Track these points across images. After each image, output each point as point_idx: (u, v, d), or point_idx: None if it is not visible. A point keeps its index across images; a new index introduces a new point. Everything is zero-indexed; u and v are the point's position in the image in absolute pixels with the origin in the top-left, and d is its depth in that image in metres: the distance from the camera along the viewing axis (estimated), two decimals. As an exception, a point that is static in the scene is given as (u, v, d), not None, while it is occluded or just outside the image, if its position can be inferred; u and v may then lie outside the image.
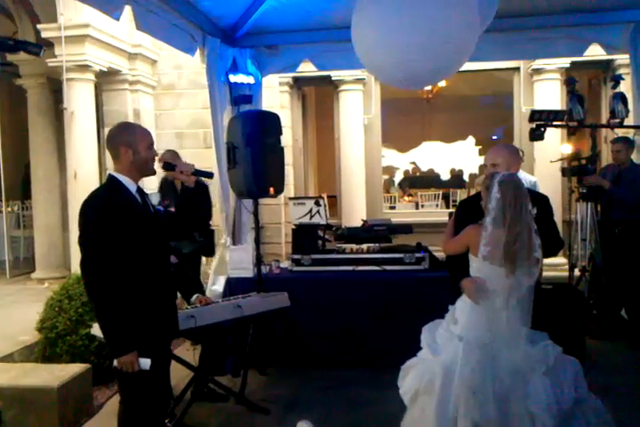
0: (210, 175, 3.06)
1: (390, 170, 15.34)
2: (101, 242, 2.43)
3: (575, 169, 5.33)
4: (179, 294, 4.13)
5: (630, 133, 5.72)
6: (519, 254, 2.63)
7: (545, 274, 5.08)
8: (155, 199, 2.75)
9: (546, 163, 7.76)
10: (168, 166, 2.95)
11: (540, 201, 3.18)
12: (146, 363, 2.50)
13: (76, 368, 3.90)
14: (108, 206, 2.48)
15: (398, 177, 15.56)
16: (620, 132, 5.51)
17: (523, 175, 6.14)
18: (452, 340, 2.74)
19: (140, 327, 2.50)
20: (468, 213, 3.02)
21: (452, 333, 2.78)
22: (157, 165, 2.86)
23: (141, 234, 2.55)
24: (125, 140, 2.60)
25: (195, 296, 3.98)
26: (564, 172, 5.67)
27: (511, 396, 2.56)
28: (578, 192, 5.44)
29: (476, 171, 14.93)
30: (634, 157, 5.39)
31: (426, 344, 2.85)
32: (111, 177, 2.63)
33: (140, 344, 2.49)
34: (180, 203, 2.93)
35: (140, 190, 2.65)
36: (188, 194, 2.85)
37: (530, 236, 2.65)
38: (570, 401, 2.55)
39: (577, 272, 5.55)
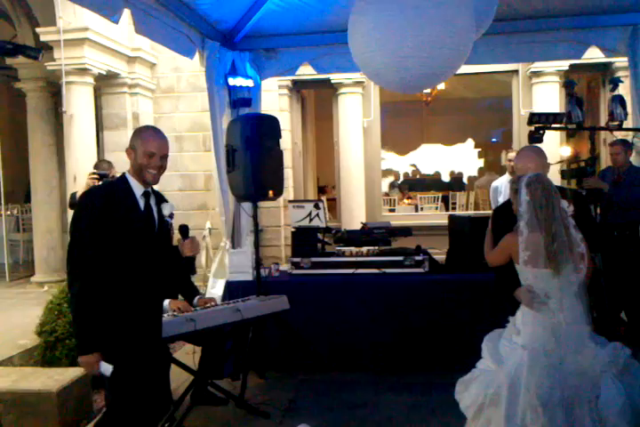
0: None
1: (393, 173, 15.34)
2: (85, 238, 2.45)
3: (574, 171, 5.33)
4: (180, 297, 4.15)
5: (629, 136, 5.72)
6: (561, 253, 2.59)
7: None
8: (167, 210, 2.72)
9: (545, 165, 7.76)
10: (184, 232, 2.93)
11: (576, 197, 3.11)
12: (107, 369, 2.45)
13: (75, 372, 3.89)
14: (97, 205, 2.49)
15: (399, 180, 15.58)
16: (619, 134, 5.51)
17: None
18: (516, 350, 2.68)
19: (114, 333, 2.48)
20: (503, 221, 2.97)
21: (515, 343, 2.72)
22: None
23: (130, 237, 2.54)
24: (132, 142, 2.68)
25: (196, 298, 3.99)
26: (563, 174, 5.67)
27: (580, 400, 2.50)
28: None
29: (476, 173, 14.94)
30: (633, 159, 5.39)
31: (488, 355, 2.78)
32: (122, 175, 2.68)
33: (108, 350, 2.46)
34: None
35: (146, 194, 2.64)
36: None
37: (568, 232, 2.62)
38: None
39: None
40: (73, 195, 5.34)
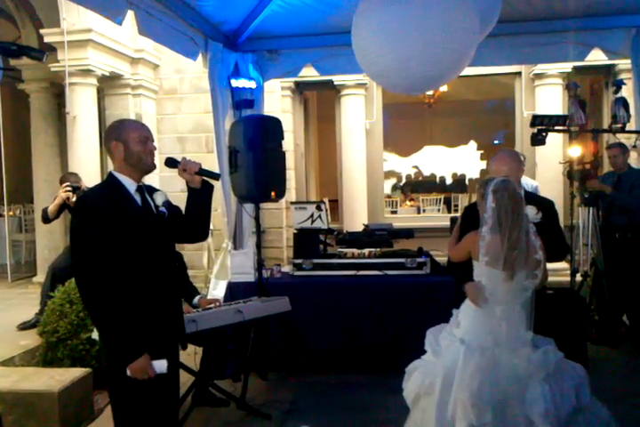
0: (216, 176, 2.77)
1: (396, 174, 15.35)
2: (91, 245, 2.32)
3: (579, 173, 5.35)
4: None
5: (632, 138, 5.72)
6: (518, 260, 2.63)
7: (547, 279, 5.06)
8: (160, 199, 2.60)
9: (547, 167, 7.77)
10: (171, 162, 2.69)
11: (546, 206, 3.17)
12: (162, 365, 2.36)
13: (76, 372, 3.90)
14: (99, 208, 2.37)
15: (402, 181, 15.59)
16: (621, 136, 5.51)
17: (524, 180, 6.13)
18: (454, 343, 2.75)
19: (148, 329, 2.39)
20: (471, 219, 3.02)
21: (454, 336, 2.79)
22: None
23: (137, 236, 2.43)
24: (115, 135, 2.50)
25: (197, 298, 3.99)
26: (569, 175, 5.67)
27: (509, 401, 2.55)
28: (580, 197, 5.44)
29: (478, 175, 14.94)
30: (636, 161, 5.39)
31: (429, 347, 2.87)
32: (110, 175, 2.53)
33: (153, 346, 2.37)
34: (188, 205, 2.70)
35: (140, 189, 2.53)
36: (193, 195, 2.67)
37: (528, 239, 2.65)
38: (569, 408, 2.53)
39: (579, 277, 5.54)
40: (44, 209, 5.37)
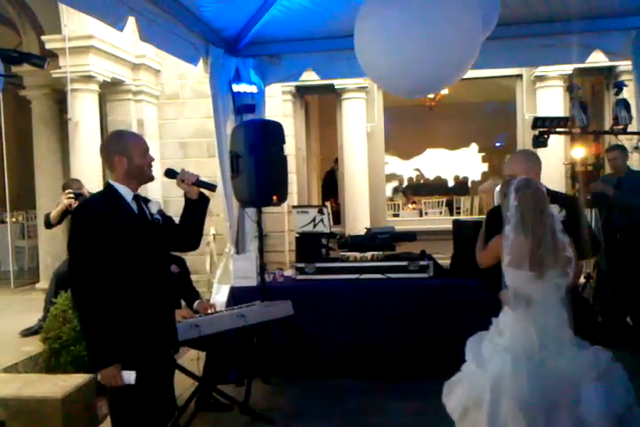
0: (213, 187, 2.83)
1: (397, 177, 15.35)
2: (88, 250, 2.41)
3: (582, 175, 5.36)
4: (183, 303, 4.15)
5: (634, 140, 5.71)
6: (546, 258, 2.61)
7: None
8: (154, 208, 2.66)
9: (549, 169, 7.74)
10: (170, 173, 2.77)
11: (569, 202, 3.14)
12: (130, 376, 2.41)
13: (79, 379, 3.89)
14: (98, 214, 2.45)
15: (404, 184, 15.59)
16: (623, 138, 5.51)
17: None
18: (499, 352, 2.69)
19: (128, 339, 2.44)
20: (495, 223, 3.00)
21: (497, 345, 2.74)
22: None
23: (133, 244, 2.50)
24: (118, 149, 2.57)
25: (196, 302, 3.99)
26: (573, 177, 5.67)
27: (561, 404, 2.51)
28: (583, 198, 5.43)
29: (480, 178, 14.93)
30: (638, 163, 5.39)
31: (471, 357, 2.79)
32: (108, 185, 2.61)
33: (126, 357, 2.42)
34: (183, 215, 2.76)
35: (136, 198, 2.61)
36: (189, 206, 2.74)
37: (555, 237, 2.64)
38: (623, 406, 2.51)
39: (582, 279, 5.53)
40: (47, 215, 5.38)
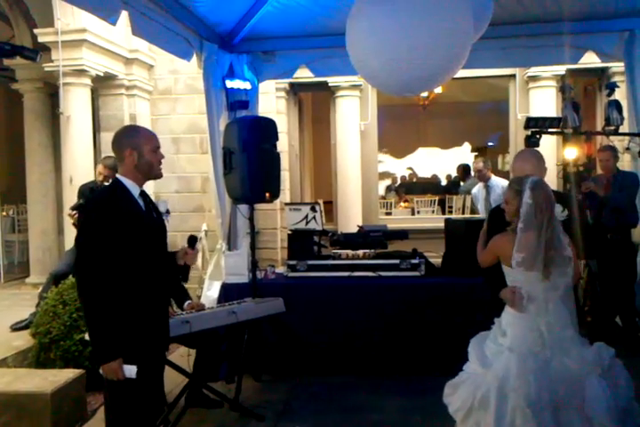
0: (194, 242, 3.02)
1: (390, 176, 15.36)
2: (97, 243, 2.43)
3: (574, 175, 5.37)
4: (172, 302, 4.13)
5: (625, 141, 5.74)
6: (554, 259, 2.64)
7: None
8: (162, 207, 2.71)
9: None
10: (193, 242, 2.97)
11: (572, 202, 3.17)
12: (131, 370, 2.44)
13: (69, 374, 3.88)
14: (107, 208, 2.49)
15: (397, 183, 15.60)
16: (615, 139, 5.54)
17: (497, 180, 6.18)
18: (503, 352, 2.71)
19: (130, 334, 2.47)
20: (496, 223, 3.00)
21: (501, 345, 2.75)
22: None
23: (140, 238, 2.53)
24: (130, 143, 2.60)
25: (186, 303, 3.98)
26: (567, 177, 5.69)
27: (568, 402, 2.54)
28: (575, 199, 5.46)
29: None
30: (629, 164, 5.42)
31: (475, 358, 2.79)
32: (116, 180, 2.65)
33: (127, 352, 2.45)
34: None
35: (143, 194, 2.64)
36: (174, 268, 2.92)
37: (558, 237, 2.67)
38: (627, 399, 2.55)
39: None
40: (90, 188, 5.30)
